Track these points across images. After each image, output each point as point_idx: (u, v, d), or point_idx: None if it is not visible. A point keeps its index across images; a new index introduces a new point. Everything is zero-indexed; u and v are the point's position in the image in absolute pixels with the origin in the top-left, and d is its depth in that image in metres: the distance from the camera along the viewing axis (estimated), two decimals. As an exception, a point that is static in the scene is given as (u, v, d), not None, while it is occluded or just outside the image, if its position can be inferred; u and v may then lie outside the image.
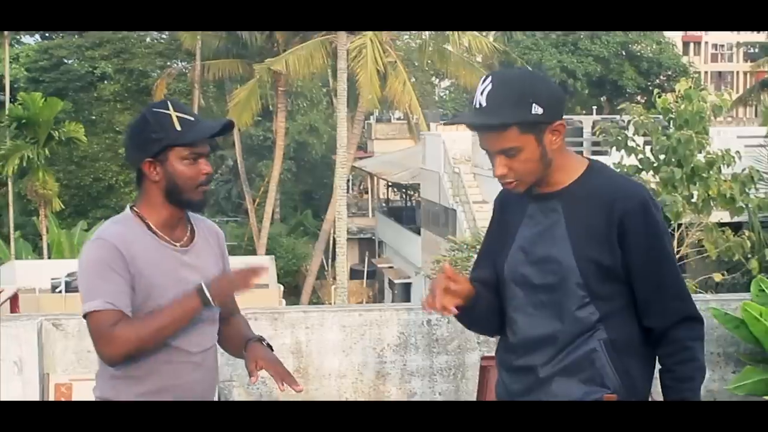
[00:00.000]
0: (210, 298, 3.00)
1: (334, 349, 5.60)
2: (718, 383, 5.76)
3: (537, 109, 2.71)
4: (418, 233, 32.81)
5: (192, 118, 3.07)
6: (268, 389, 5.53)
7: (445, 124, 2.89)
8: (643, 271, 2.77)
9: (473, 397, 5.20)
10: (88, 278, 3.02)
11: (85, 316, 3.01)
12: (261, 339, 3.28)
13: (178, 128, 3.03)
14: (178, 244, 3.13)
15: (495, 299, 2.97)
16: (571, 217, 2.80)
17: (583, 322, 2.79)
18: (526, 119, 2.71)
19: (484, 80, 2.76)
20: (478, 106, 2.74)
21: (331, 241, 31.06)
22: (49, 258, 28.73)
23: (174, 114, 3.04)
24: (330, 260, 34.05)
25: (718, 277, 15.29)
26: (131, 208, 3.15)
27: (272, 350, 3.28)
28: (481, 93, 2.74)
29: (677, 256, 13.55)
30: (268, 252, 32.74)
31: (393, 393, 5.63)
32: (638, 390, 2.87)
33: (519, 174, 2.78)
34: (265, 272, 3.15)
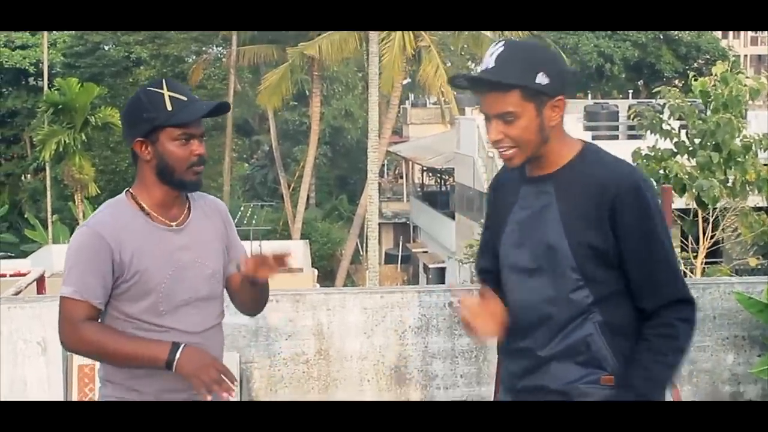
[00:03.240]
0: (174, 365, 2.97)
1: (355, 331, 5.58)
2: (743, 366, 5.70)
3: (543, 79, 2.69)
4: (453, 218, 32.78)
5: (185, 98, 3.04)
6: (289, 371, 5.54)
7: (452, 78, 2.85)
8: (634, 253, 2.74)
9: (493, 380, 5.17)
10: (68, 263, 3.06)
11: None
12: None
13: (170, 108, 3.01)
14: (173, 224, 3.11)
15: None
16: (563, 200, 2.77)
17: (578, 305, 2.77)
18: (530, 85, 2.68)
19: (497, 44, 2.75)
20: (485, 67, 2.72)
21: (365, 226, 31.07)
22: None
23: (167, 93, 3.02)
24: (365, 245, 34.10)
25: (753, 261, 15.18)
26: (127, 191, 3.14)
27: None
28: (491, 55, 2.72)
29: (713, 240, 13.45)
30: (303, 236, 32.87)
31: (414, 375, 5.61)
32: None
33: (514, 141, 2.74)
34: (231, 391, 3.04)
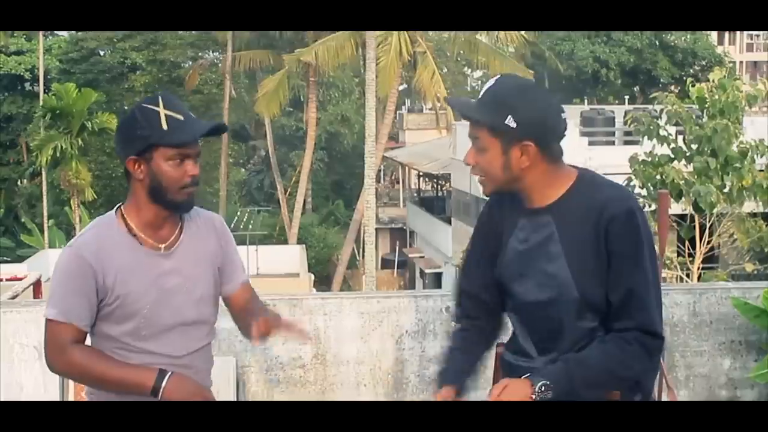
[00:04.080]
0: (161, 392, 2.94)
1: (352, 336, 5.58)
2: (740, 371, 5.70)
3: (510, 122, 2.74)
4: (449, 223, 32.78)
5: (181, 118, 2.94)
6: (286, 375, 5.53)
7: (447, 100, 2.98)
8: (617, 276, 2.76)
9: (490, 384, 5.17)
10: (53, 285, 3.03)
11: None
12: (267, 311, 3.15)
13: (165, 127, 2.92)
14: (161, 247, 3.03)
15: (481, 339, 3.03)
16: (563, 232, 2.81)
17: (583, 330, 2.81)
18: (495, 125, 2.76)
19: (494, 78, 2.85)
20: (479, 97, 2.83)
21: (362, 231, 31.06)
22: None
23: (163, 112, 2.93)
24: (361, 250, 34.09)
25: (749, 267, 15.20)
26: (118, 208, 3.08)
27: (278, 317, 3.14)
28: (485, 87, 2.83)
29: (709, 246, 13.46)
30: (300, 241, 32.85)
31: (411, 380, 5.60)
32: (642, 386, 2.88)
33: (482, 170, 2.84)
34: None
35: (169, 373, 2.96)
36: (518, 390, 2.73)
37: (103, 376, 2.98)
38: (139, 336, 3.01)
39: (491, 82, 2.83)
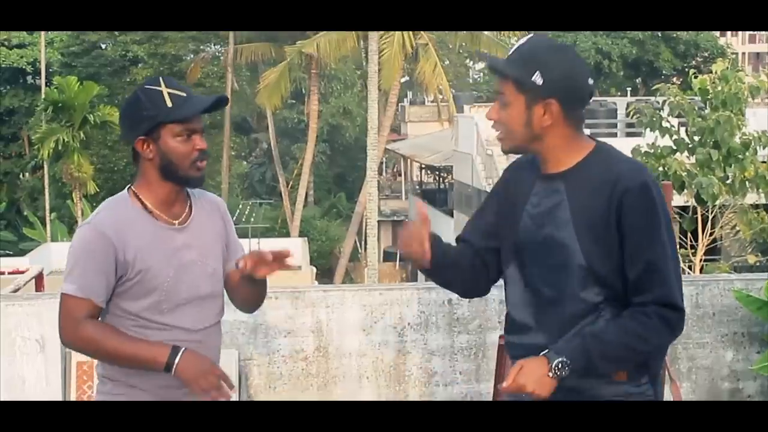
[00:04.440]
0: (173, 368, 2.97)
1: (354, 328, 5.57)
2: (743, 363, 5.69)
3: (537, 78, 2.75)
4: (451, 215, 32.77)
5: (184, 94, 3.04)
6: (288, 368, 5.53)
7: (477, 53, 3.07)
8: (635, 250, 2.75)
9: (492, 377, 5.17)
10: (70, 261, 3.05)
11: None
12: None
13: (170, 104, 3.00)
14: (176, 222, 3.11)
15: (462, 258, 3.02)
16: (574, 199, 2.80)
17: (588, 303, 2.79)
18: (521, 80, 2.77)
19: (526, 37, 2.86)
20: (507, 54, 2.86)
21: (364, 224, 31.06)
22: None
23: (165, 90, 3.02)
24: (363, 242, 34.10)
25: (751, 258, 15.17)
26: (129, 188, 3.13)
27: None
28: (516, 45, 2.85)
29: (711, 237, 13.45)
30: (302, 234, 32.87)
31: (414, 372, 5.60)
32: (650, 368, 2.85)
33: (503, 126, 2.85)
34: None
35: (183, 349, 3.00)
36: (535, 369, 2.71)
37: (116, 351, 3.00)
38: (159, 310, 3.06)
39: (523, 40, 2.85)
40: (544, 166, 2.88)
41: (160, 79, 3.07)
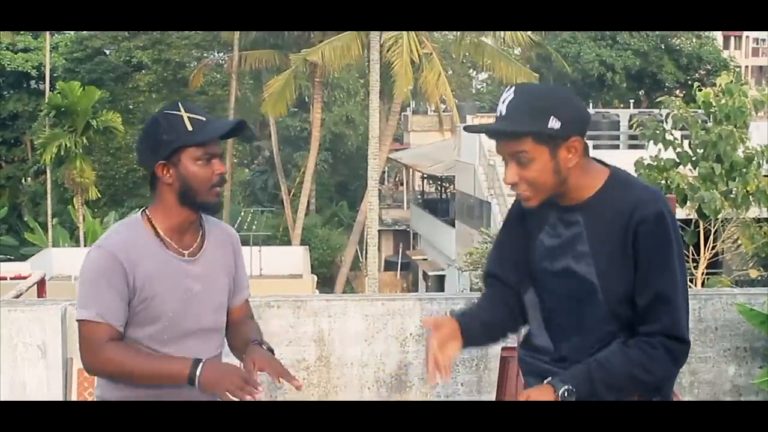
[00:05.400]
0: (197, 379, 2.96)
1: (356, 338, 5.57)
2: (745, 378, 5.69)
3: (554, 123, 2.69)
4: (453, 225, 32.79)
5: (203, 119, 3.02)
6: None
7: (465, 129, 2.93)
8: (645, 280, 2.74)
9: (494, 389, 5.16)
10: (84, 285, 3.02)
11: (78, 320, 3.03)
12: (261, 343, 3.20)
13: (190, 128, 2.98)
14: (186, 252, 3.09)
15: (497, 309, 2.99)
16: (592, 231, 2.80)
17: (605, 332, 2.80)
18: (541, 131, 2.70)
19: (508, 90, 2.77)
20: (498, 114, 2.75)
21: (365, 233, 31.06)
22: (86, 246, 28.95)
23: (185, 115, 3.00)
24: (364, 251, 34.10)
25: (753, 273, 15.16)
26: (143, 212, 3.12)
27: (272, 353, 3.19)
28: (503, 102, 2.74)
29: (713, 251, 13.43)
30: (303, 242, 32.84)
31: (415, 383, 5.59)
32: (661, 391, 2.86)
33: (530, 184, 2.76)
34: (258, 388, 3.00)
35: (203, 360, 2.99)
36: (541, 398, 2.72)
37: (140, 370, 2.99)
38: (161, 340, 3.05)
39: (509, 95, 2.74)
40: (560, 198, 2.84)
41: (179, 104, 3.06)
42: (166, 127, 3.00)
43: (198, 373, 2.96)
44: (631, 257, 2.74)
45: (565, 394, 2.69)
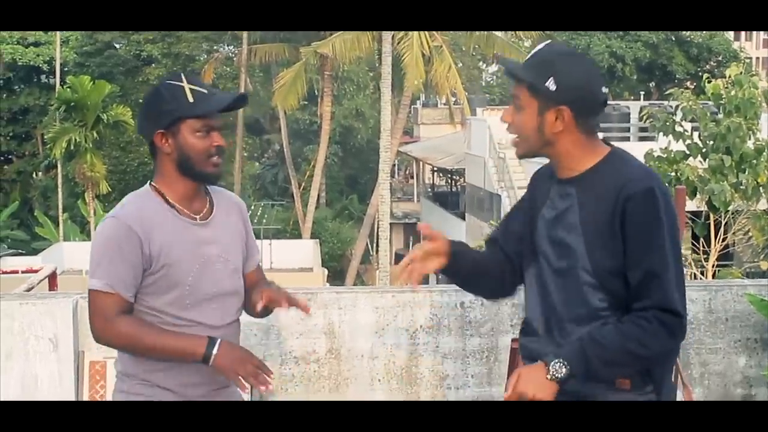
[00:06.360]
0: (212, 359, 2.98)
1: (366, 331, 5.57)
2: (755, 369, 5.67)
3: (551, 84, 2.79)
4: (463, 218, 32.80)
5: (205, 91, 3.05)
6: (300, 369, 5.53)
7: (495, 56, 3.13)
8: (635, 257, 2.76)
9: (504, 380, 5.17)
10: (96, 255, 3.04)
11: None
12: (271, 283, 3.26)
13: (191, 100, 3.01)
14: (197, 217, 3.12)
15: (491, 263, 3.07)
16: (583, 204, 2.84)
17: (592, 308, 2.82)
18: (536, 85, 2.81)
19: (544, 42, 2.92)
20: (526, 59, 2.91)
21: (376, 226, 31.08)
22: (97, 240, 28.97)
23: (187, 86, 3.03)
24: (375, 245, 34.09)
25: (764, 264, 15.12)
26: (150, 183, 3.14)
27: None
28: (533, 50, 2.89)
29: (724, 243, 13.41)
30: (313, 236, 32.90)
31: (426, 375, 5.60)
32: (653, 376, 2.86)
33: (517, 130, 2.89)
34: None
35: (219, 339, 3.01)
36: (533, 375, 2.75)
37: (154, 345, 3.00)
38: (182, 306, 3.06)
39: (541, 45, 2.89)
40: (559, 171, 2.91)
41: (182, 74, 3.09)
42: (167, 97, 3.03)
43: (213, 352, 2.98)
44: (619, 233, 2.76)
45: (557, 367, 2.72)
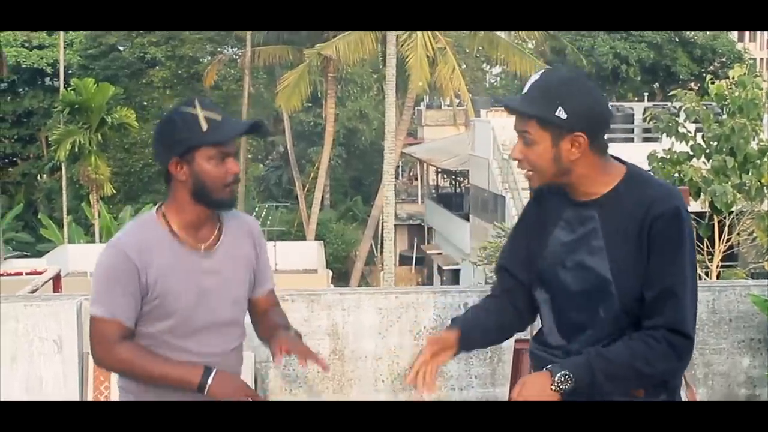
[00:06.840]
0: (206, 389, 2.99)
1: (370, 332, 5.58)
2: (759, 369, 5.68)
3: (561, 113, 2.74)
4: (467, 220, 32.76)
5: (219, 118, 3.01)
6: (304, 370, 5.53)
7: (492, 104, 3.04)
8: (654, 273, 2.76)
9: (508, 381, 5.17)
10: (98, 283, 3.07)
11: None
12: (288, 328, 3.23)
13: (205, 128, 2.98)
14: (201, 247, 3.10)
15: (503, 311, 3.05)
16: (607, 227, 2.82)
17: (617, 327, 2.81)
18: (546, 117, 2.75)
19: (538, 72, 2.85)
20: (523, 92, 2.84)
21: (380, 227, 31.07)
22: (101, 242, 29.06)
23: (201, 114, 2.99)
24: (379, 246, 34.09)
25: (768, 265, 15.10)
26: (158, 208, 3.13)
27: (300, 338, 3.23)
28: (529, 82, 2.83)
29: (728, 244, 13.40)
30: (318, 238, 32.89)
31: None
32: (667, 386, 2.87)
33: (531, 165, 2.83)
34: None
35: (214, 370, 3.02)
36: (537, 383, 2.75)
37: (151, 373, 3.03)
38: (177, 334, 3.07)
39: (536, 76, 2.83)
40: (575, 195, 2.87)
41: (196, 100, 3.05)
42: (181, 125, 3.00)
43: (208, 382, 2.99)
44: (645, 253, 2.75)
45: (562, 379, 2.72)
